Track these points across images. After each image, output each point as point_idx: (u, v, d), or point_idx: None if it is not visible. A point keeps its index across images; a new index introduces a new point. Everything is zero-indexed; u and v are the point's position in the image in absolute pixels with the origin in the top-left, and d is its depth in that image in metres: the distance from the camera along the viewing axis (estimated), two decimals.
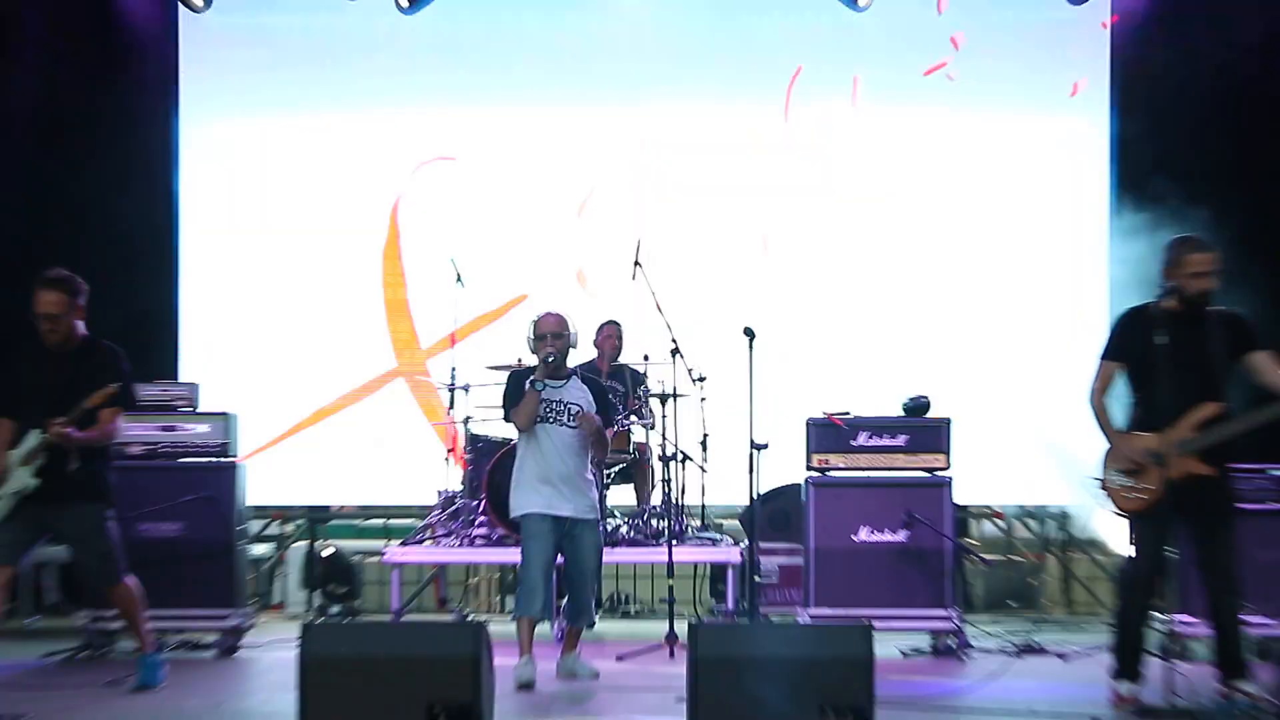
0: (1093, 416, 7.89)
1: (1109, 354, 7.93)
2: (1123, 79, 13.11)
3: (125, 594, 8.63)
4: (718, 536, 11.58)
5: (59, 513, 8.35)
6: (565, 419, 8.87)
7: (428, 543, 11.37)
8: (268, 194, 13.44)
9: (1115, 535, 8.12)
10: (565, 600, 9.31)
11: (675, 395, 11.10)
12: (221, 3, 13.28)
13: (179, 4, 13.14)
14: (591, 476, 9.11)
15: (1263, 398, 7.67)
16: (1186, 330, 7.59)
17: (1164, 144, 12.46)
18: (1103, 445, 7.90)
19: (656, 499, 11.20)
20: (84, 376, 8.29)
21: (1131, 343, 7.83)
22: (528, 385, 8.82)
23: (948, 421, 10.38)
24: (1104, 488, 7.87)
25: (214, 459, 10.56)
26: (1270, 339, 7.76)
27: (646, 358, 11.45)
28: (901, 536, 10.12)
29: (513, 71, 13.34)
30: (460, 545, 11.11)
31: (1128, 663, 7.83)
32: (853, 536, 10.15)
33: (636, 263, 10.86)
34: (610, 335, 11.60)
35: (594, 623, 9.42)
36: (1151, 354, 7.62)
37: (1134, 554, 7.90)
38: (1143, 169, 12.49)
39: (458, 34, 13.41)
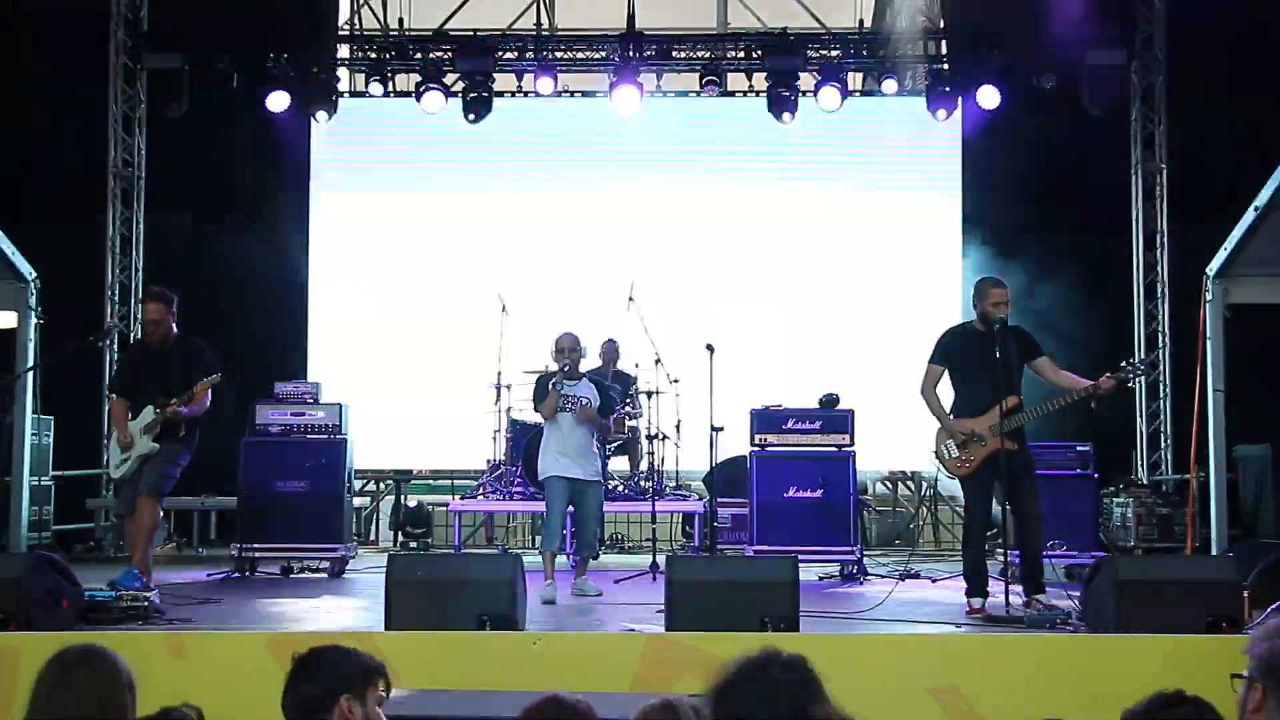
0: (926, 405, 7.88)
1: (935, 359, 7.99)
2: (969, 166, 13.01)
3: (150, 509, 8.35)
4: (687, 494, 11.51)
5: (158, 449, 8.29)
6: (577, 409, 8.82)
7: (480, 497, 11.28)
8: (376, 251, 13.34)
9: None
10: (576, 538, 9.24)
11: (657, 392, 11.05)
12: (344, 113, 13.16)
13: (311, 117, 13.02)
14: (596, 450, 9.08)
15: (1049, 393, 7.78)
16: (990, 343, 7.61)
17: (998, 213, 12.46)
18: (935, 427, 7.89)
19: (643, 467, 11.11)
20: (180, 364, 8.32)
21: (951, 352, 7.87)
22: (550, 386, 8.79)
23: (851, 412, 10.29)
24: (939, 458, 7.87)
25: (330, 436, 10.46)
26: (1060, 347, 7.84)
27: (637, 365, 11.37)
28: (819, 494, 10.03)
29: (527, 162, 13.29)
30: (503, 499, 11.02)
31: (975, 584, 7.78)
32: (784, 494, 10.06)
33: (630, 298, 10.82)
34: (610, 349, 11.51)
35: (598, 555, 9.37)
36: (969, 361, 7.71)
37: (966, 508, 7.90)
38: (983, 231, 12.50)
39: (518, 132, 13.28)
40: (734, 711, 3.03)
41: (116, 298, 12.80)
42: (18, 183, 11.47)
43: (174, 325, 8.35)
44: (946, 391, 7.97)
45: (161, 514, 8.58)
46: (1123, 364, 7.79)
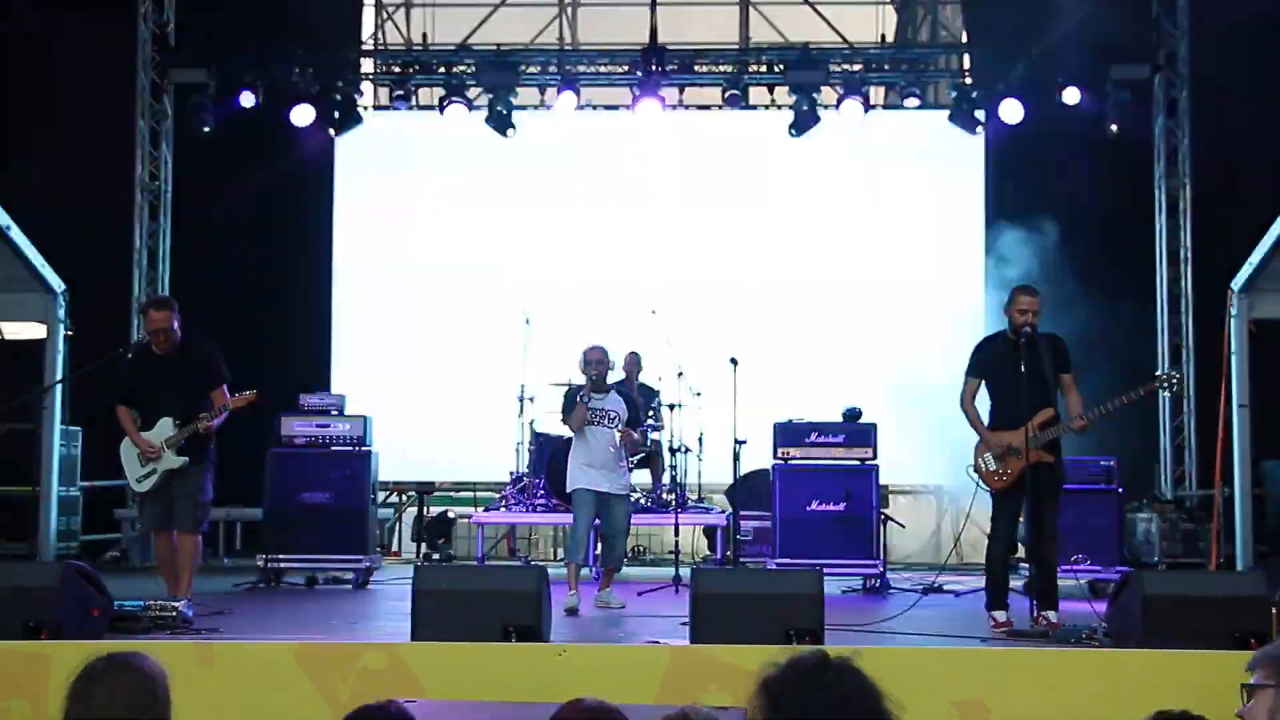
0: (965, 419, 7.85)
1: (971, 371, 7.92)
2: (993, 179, 13.00)
3: (196, 545, 8.18)
4: (710, 506, 11.52)
5: (180, 471, 8.08)
6: (605, 422, 8.84)
7: (503, 509, 11.30)
8: (399, 263, 13.38)
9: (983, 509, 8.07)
10: (602, 550, 9.25)
11: (680, 405, 11.06)
12: (368, 127, 13.23)
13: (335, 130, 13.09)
14: (624, 463, 9.06)
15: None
16: (1023, 352, 7.55)
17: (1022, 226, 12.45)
18: (975, 440, 7.84)
19: (666, 479, 11.12)
20: (193, 371, 8.11)
21: (986, 363, 7.82)
22: (578, 398, 8.80)
23: (874, 425, 10.31)
24: (978, 471, 7.82)
25: (354, 448, 10.50)
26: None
27: (659, 378, 11.39)
28: (841, 507, 10.03)
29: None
30: (526, 511, 11.05)
31: (997, 597, 7.77)
32: (807, 507, 10.07)
33: (653, 311, 10.88)
34: (633, 362, 11.53)
35: (621, 567, 9.36)
36: (1002, 371, 7.65)
37: (994, 520, 7.86)
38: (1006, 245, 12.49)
39: (542, 145, 13.32)
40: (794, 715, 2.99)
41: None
42: (47, 196, 11.56)
43: (178, 331, 8.16)
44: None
45: (200, 540, 8.39)
46: (1156, 375, 7.77)
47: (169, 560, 8.18)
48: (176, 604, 7.43)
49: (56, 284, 10.15)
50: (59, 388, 10.06)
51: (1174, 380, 8.01)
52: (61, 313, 10.23)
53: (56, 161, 12.10)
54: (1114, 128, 12.38)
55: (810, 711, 2.95)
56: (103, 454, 11.72)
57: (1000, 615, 7.69)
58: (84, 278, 10.68)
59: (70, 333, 10.21)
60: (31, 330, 11.14)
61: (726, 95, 12.88)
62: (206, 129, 12.73)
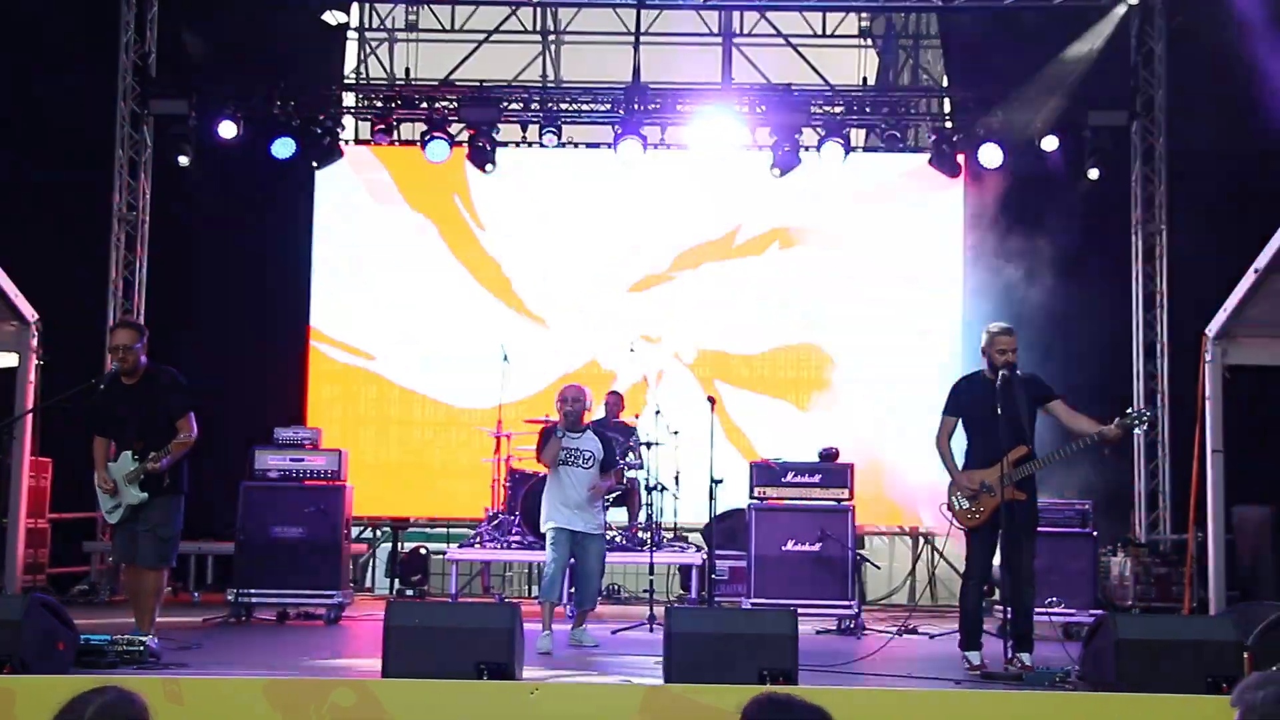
0: (939, 458, 7.89)
1: (948, 410, 7.98)
2: (971, 223, 13.08)
3: (159, 581, 8.09)
4: (685, 545, 11.50)
5: (148, 503, 7.94)
6: (580, 463, 8.82)
7: (477, 545, 11.25)
8: (377, 298, 13.39)
9: (958, 548, 8.10)
10: (575, 589, 9.22)
11: (657, 444, 11.06)
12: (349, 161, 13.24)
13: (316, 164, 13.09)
14: (598, 503, 9.03)
15: (1059, 440, 7.84)
16: (1000, 391, 7.61)
17: (1000, 270, 12.52)
18: (947, 479, 7.88)
19: (642, 518, 11.11)
20: (154, 398, 7.99)
21: (963, 402, 7.87)
22: (554, 436, 8.80)
23: (850, 466, 10.32)
24: (950, 509, 7.86)
25: (328, 482, 10.45)
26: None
27: (637, 417, 11.40)
28: (817, 547, 10.03)
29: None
30: (501, 548, 11.00)
31: (971, 638, 7.79)
32: (782, 547, 10.06)
33: (631, 349, 10.89)
34: (614, 401, 11.53)
35: (596, 607, 9.32)
36: (978, 410, 7.71)
37: (968, 559, 7.89)
38: (985, 288, 12.57)
39: (523, 181, 13.38)
40: None
41: None
42: (23, 224, 11.52)
43: (143, 357, 8.05)
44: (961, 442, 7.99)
45: (166, 575, 8.29)
46: (1128, 411, 7.82)
47: (136, 593, 8.11)
48: (144, 639, 7.36)
49: (30, 314, 10.08)
50: (29, 418, 9.97)
51: (1144, 416, 8.05)
52: (34, 342, 10.14)
53: (33, 190, 12.06)
54: (1095, 172, 12.49)
55: None
56: (72, 486, 11.65)
57: (974, 657, 7.70)
58: (58, 308, 10.60)
59: (43, 363, 10.13)
60: (3, 360, 11.06)
61: (707, 135, 12.92)
62: (185, 160, 12.72)
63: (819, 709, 3.11)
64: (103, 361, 12.26)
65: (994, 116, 12.57)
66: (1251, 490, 10.37)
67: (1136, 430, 9.45)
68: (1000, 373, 7.66)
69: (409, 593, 11.93)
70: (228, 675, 6.92)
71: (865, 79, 13.77)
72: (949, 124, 13.04)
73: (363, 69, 14.49)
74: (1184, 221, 12.64)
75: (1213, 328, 9.08)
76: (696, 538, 11.87)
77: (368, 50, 14.57)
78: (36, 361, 10.08)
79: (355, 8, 14.24)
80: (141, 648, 7.23)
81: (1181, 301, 12.36)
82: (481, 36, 13.85)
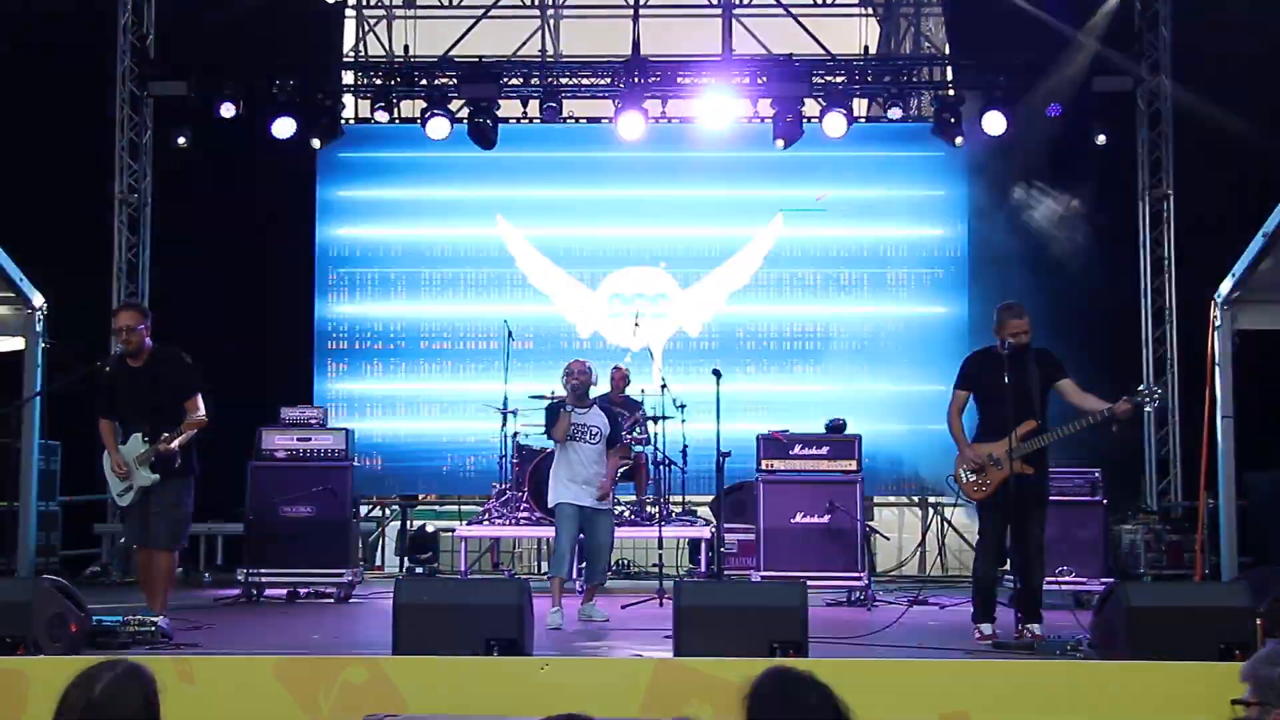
0: (949, 430, 7.89)
1: (960, 384, 7.98)
2: (975, 191, 13.03)
3: (171, 562, 8.19)
4: (694, 519, 11.49)
5: (160, 484, 8.02)
6: (588, 438, 8.83)
7: (486, 522, 11.26)
8: (381, 276, 13.36)
9: (966, 519, 8.11)
10: (585, 565, 9.23)
11: (664, 417, 11.05)
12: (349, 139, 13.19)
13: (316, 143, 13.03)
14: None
15: (1069, 415, 7.77)
16: (1012, 366, 7.60)
17: (1005, 238, 12.48)
18: (954, 451, 7.88)
19: (650, 492, 11.10)
20: (162, 380, 8.05)
21: (974, 376, 7.85)
22: (562, 410, 8.80)
23: (858, 437, 10.33)
24: (958, 482, 7.86)
25: (336, 462, 10.45)
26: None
27: (643, 391, 11.38)
28: (825, 519, 10.03)
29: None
30: (509, 524, 11.01)
31: (983, 609, 7.78)
32: (791, 519, 10.07)
33: (635, 324, 10.87)
34: (619, 375, 11.51)
35: (605, 581, 9.33)
36: (989, 384, 7.68)
37: (980, 532, 7.90)
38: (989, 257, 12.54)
39: (524, 157, 13.33)
40: None
41: None
42: (25, 209, 11.50)
43: (148, 338, 8.10)
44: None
45: (176, 556, 8.34)
46: (1139, 388, 7.80)
47: (148, 575, 8.13)
48: (155, 619, 7.38)
49: (35, 298, 10.09)
50: (37, 401, 9.99)
51: (1156, 394, 8.04)
52: (40, 326, 10.15)
53: (36, 174, 12.04)
54: (1103, 138, 12.41)
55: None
56: (82, 468, 11.67)
57: (986, 628, 7.71)
58: (63, 291, 10.61)
59: (49, 346, 10.13)
60: (10, 344, 11.07)
61: (709, 107, 12.86)
62: (185, 141, 12.69)
63: (824, 686, 3.12)
64: (109, 344, 12.35)
65: (997, 83, 12.49)
66: (1262, 455, 10.34)
67: (1147, 408, 9.45)
68: (1008, 343, 7.65)
69: (418, 570, 11.94)
70: (239, 655, 6.94)
71: (866, 48, 13.68)
72: (951, 92, 12.96)
73: (361, 47, 14.43)
74: (1192, 186, 12.58)
75: (1221, 292, 9.05)
76: (705, 511, 11.87)
77: (366, 28, 14.50)
78: (43, 345, 10.09)
79: None
80: (153, 628, 7.26)
81: (1189, 267, 12.31)
82: (480, 12, 13.77)
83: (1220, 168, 11.96)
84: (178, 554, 8.31)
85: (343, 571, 10.26)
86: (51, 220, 11.79)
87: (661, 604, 9.24)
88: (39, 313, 10.16)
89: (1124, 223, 12.85)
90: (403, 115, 13.34)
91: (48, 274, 10.05)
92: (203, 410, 8.08)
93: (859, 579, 9.95)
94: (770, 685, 3.11)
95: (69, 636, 6.81)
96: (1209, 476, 9.43)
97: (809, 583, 7.29)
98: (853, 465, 10.18)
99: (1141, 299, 12.79)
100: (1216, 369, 9.03)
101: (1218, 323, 9.06)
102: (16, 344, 10.33)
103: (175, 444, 7.94)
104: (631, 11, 12.99)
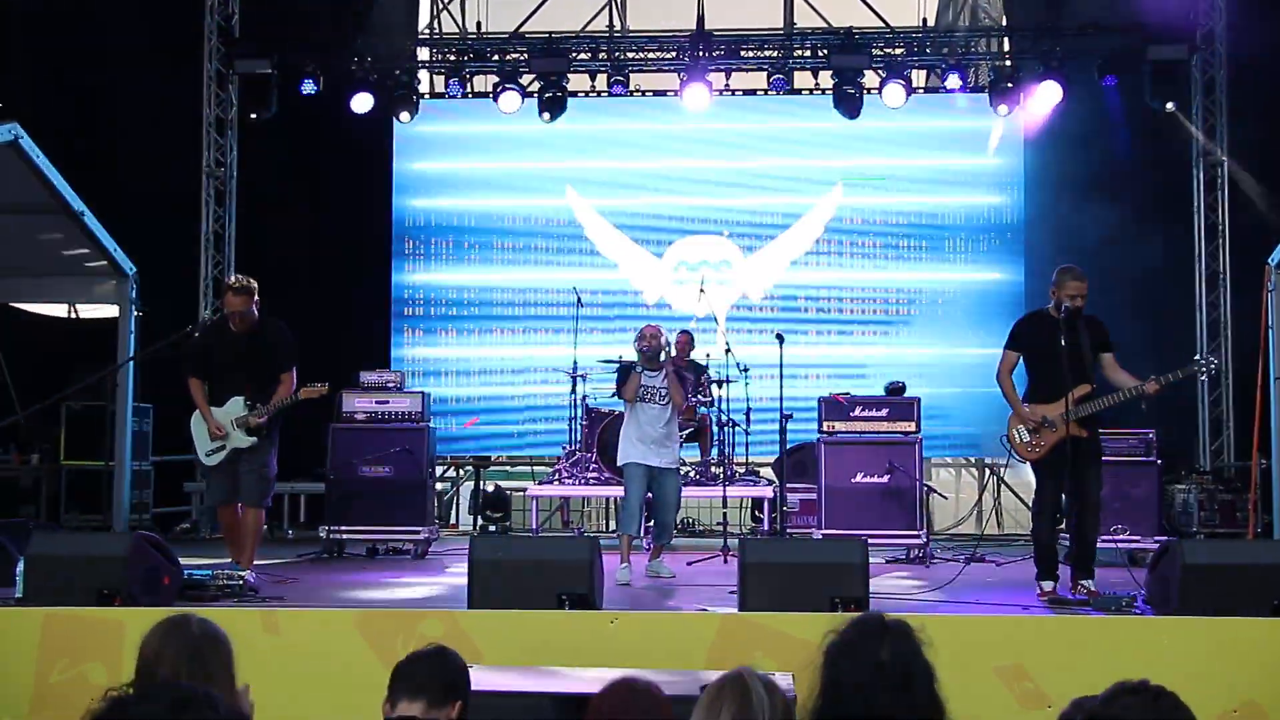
0: (1000, 391, 7.78)
1: (1010, 345, 7.86)
2: (1032, 160, 12.84)
3: (259, 519, 8.30)
4: (757, 479, 11.46)
5: (249, 448, 8.15)
6: (657, 399, 8.83)
7: (556, 482, 11.29)
8: (456, 245, 13.38)
9: (1020, 479, 8.01)
10: (653, 523, 9.24)
11: (727, 381, 11.01)
12: (425, 114, 13.20)
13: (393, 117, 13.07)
14: (674, 439, 9.02)
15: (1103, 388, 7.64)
16: (1066, 330, 7.47)
17: (1061, 206, 12.30)
18: (1009, 412, 7.77)
19: (714, 453, 11.09)
20: (264, 351, 8.18)
21: (1026, 338, 7.74)
22: (633, 371, 8.84)
23: (917, 399, 10.24)
24: (1010, 443, 7.76)
25: (413, 423, 10.52)
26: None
27: (708, 355, 11.35)
28: (885, 479, 9.97)
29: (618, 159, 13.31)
30: (579, 484, 11.04)
31: (1045, 567, 7.69)
32: (851, 479, 10.01)
33: (701, 290, 10.82)
34: (684, 339, 11.48)
35: (671, 539, 9.34)
36: (1042, 347, 7.56)
37: (1037, 493, 7.81)
38: (1045, 224, 12.36)
39: (594, 129, 13.32)
40: (844, 677, 2.99)
41: (210, 292, 12.98)
42: (119, 183, 11.65)
43: (256, 314, 8.20)
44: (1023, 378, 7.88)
45: (264, 514, 8.48)
46: (1195, 359, 7.68)
47: (234, 532, 8.25)
48: (242, 573, 7.48)
49: (128, 267, 10.23)
50: (131, 366, 10.14)
51: (1211, 365, 7.90)
52: (133, 294, 10.30)
53: (128, 150, 12.21)
54: (1171, 105, 12.16)
55: (861, 674, 2.96)
56: (173, 430, 11.84)
57: (1047, 585, 7.63)
58: (154, 261, 10.76)
59: (141, 313, 10.28)
60: (105, 311, 11.25)
61: (772, 80, 12.79)
62: (269, 116, 12.80)
63: (903, 640, 3.07)
64: (197, 311, 12.53)
65: (1053, 53, 12.29)
66: None
67: (1201, 377, 9.30)
68: (1065, 306, 7.53)
69: (492, 529, 12.02)
70: (321, 608, 7.01)
71: (924, 20, 13.50)
72: (1008, 62, 12.78)
73: (436, 24, 14.43)
74: (1245, 153, 12.33)
75: (1275, 257, 8.90)
76: (767, 472, 11.83)
77: (440, 5, 14.50)
78: (135, 312, 10.24)
79: None
80: (240, 582, 7.36)
81: (1244, 232, 12.07)
82: None
83: (1275, 133, 11.72)
84: (264, 512, 8.41)
85: (419, 529, 10.34)
86: (143, 194, 11.93)
87: (726, 561, 9.24)
88: (132, 281, 10.32)
89: (1178, 190, 12.63)
90: (475, 90, 13.35)
91: (140, 245, 10.19)
92: (296, 384, 8.21)
93: (918, 537, 9.89)
94: (851, 632, 3.08)
95: (162, 589, 6.92)
96: (1261, 437, 9.29)
97: (869, 541, 7.25)
98: (912, 427, 10.10)
99: (1196, 264, 12.58)
100: (1269, 332, 8.87)
101: (1271, 286, 8.91)
102: (111, 311, 10.49)
103: (266, 416, 8.09)
104: None
